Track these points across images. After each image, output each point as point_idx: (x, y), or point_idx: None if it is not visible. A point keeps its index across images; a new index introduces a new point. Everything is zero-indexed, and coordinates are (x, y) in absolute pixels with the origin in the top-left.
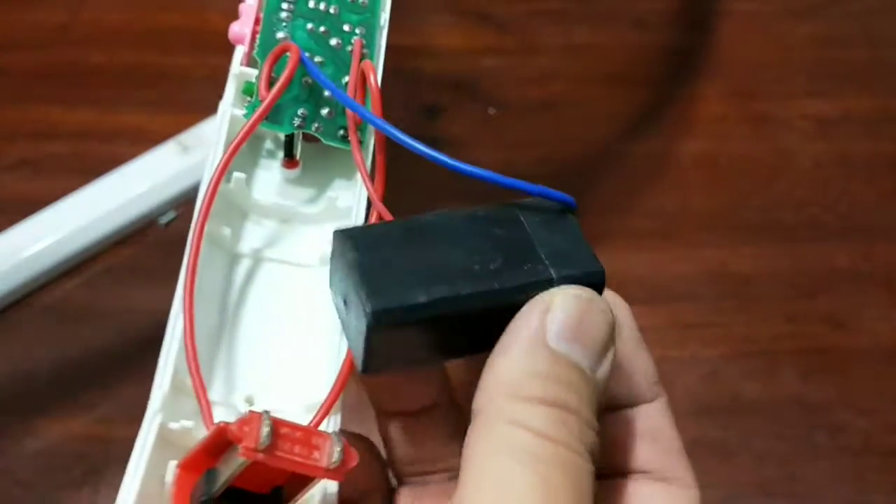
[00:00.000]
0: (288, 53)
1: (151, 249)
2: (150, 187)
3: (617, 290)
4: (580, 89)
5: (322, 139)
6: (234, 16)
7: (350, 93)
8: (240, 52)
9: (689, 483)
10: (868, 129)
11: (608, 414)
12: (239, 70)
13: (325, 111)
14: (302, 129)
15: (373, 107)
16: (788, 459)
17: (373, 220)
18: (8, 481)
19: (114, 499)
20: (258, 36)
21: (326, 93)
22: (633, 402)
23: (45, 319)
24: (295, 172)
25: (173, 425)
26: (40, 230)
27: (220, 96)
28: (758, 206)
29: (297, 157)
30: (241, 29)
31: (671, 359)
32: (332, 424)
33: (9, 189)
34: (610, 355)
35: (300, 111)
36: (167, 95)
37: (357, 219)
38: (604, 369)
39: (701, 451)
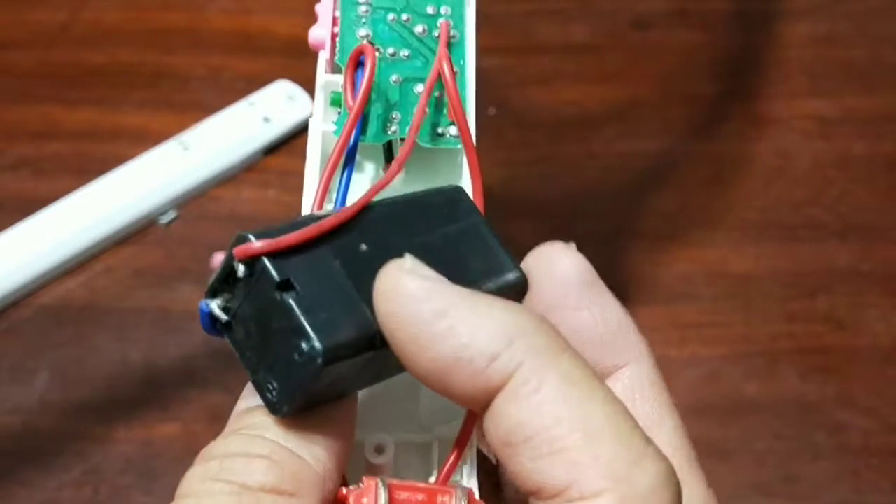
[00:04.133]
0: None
1: (151, 249)
2: (150, 187)
3: (617, 290)
4: (580, 89)
5: (419, 142)
6: (234, 15)
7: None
8: (323, 59)
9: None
10: (868, 129)
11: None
12: (325, 79)
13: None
14: (396, 134)
15: (450, 104)
16: (788, 459)
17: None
18: (8, 481)
19: (113, 498)
20: (338, 39)
21: (419, 88)
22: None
23: (45, 319)
24: (399, 177)
25: None
26: (40, 230)
27: (220, 96)
28: (758, 206)
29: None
30: (319, 33)
31: (671, 359)
32: (464, 473)
33: (9, 189)
34: None
35: (392, 115)
36: (167, 95)
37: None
38: None
39: (701, 451)
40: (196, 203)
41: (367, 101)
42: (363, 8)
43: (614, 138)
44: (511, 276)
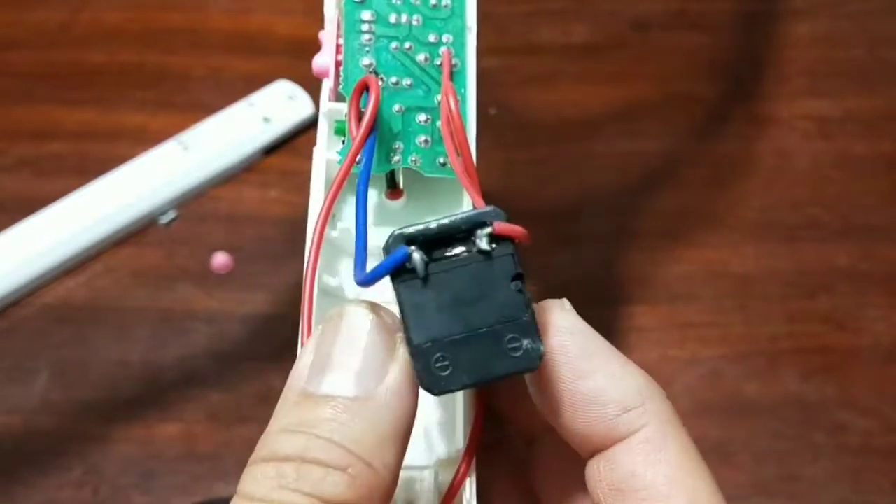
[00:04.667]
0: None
1: (151, 249)
2: (150, 187)
3: (617, 290)
4: (580, 89)
5: (423, 172)
6: (235, 15)
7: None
8: (327, 87)
9: None
10: (868, 129)
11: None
12: (328, 107)
13: (420, 139)
14: (399, 164)
15: (456, 135)
16: (788, 459)
17: None
18: (8, 481)
19: (113, 498)
20: (341, 69)
21: (421, 118)
22: (601, 441)
23: (45, 319)
24: (399, 202)
25: None
26: (40, 230)
27: (220, 96)
28: (758, 206)
29: (401, 186)
30: (323, 61)
31: (671, 359)
32: (469, 489)
33: (9, 189)
34: (393, 368)
35: (395, 144)
36: (167, 95)
37: None
38: (385, 387)
39: (701, 452)
40: (196, 203)
41: (370, 133)
42: (366, 36)
43: (614, 138)
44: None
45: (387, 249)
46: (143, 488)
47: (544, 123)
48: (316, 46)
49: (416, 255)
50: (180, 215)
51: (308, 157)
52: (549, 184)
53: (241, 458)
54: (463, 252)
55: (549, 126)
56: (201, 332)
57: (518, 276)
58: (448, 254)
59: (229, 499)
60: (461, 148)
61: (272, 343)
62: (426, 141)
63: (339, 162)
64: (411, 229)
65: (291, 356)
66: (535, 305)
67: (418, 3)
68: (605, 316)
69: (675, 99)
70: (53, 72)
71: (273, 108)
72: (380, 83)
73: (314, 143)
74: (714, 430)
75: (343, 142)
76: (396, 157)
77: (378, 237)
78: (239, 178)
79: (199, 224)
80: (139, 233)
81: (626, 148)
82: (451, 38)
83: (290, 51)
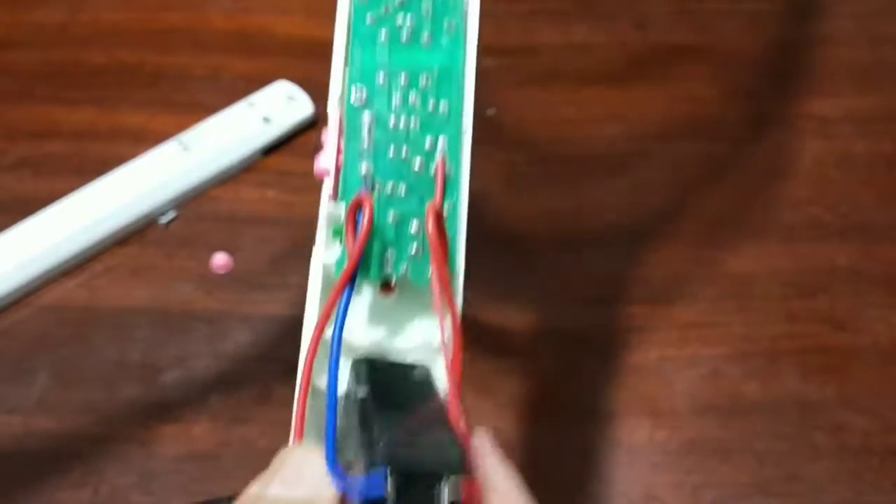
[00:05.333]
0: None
1: (151, 249)
2: (150, 187)
3: (616, 290)
4: (580, 89)
5: (411, 283)
6: (234, 15)
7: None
8: (328, 186)
9: None
10: (868, 129)
11: None
12: (328, 209)
13: (412, 249)
14: (391, 275)
15: (432, 255)
16: (788, 459)
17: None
18: (7, 481)
19: (113, 499)
20: (341, 175)
21: (414, 226)
22: None
23: (45, 320)
24: (391, 298)
25: None
26: (40, 230)
27: (220, 96)
28: (758, 206)
29: (393, 284)
30: (325, 163)
31: (671, 359)
32: None
33: (9, 189)
34: None
35: (388, 253)
36: (167, 95)
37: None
38: None
39: (701, 451)
40: (196, 203)
41: (363, 250)
42: (366, 141)
43: (614, 138)
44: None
45: (367, 465)
46: (142, 488)
47: (544, 123)
48: (316, 47)
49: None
50: (180, 215)
51: (308, 157)
52: (549, 184)
53: (240, 458)
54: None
55: (548, 126)
56: (201, 332)
57: None
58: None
59: (229, 499)
60: (437, 273)
61: (272, 343)
62: (417, 250)
63: (336, 273)
64: (393, 458)
65: (291, 356)
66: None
67: (417, 105)
68: (605, 316)
69: (674, 99)
70: (53, 72)
71: (273, 108)
72: (375, 195)
73: (314, 144)
74: (714, 430)
75: (340, 244)
76: (388, 267)
77: (370, 333)
78: (238, 178)
79: (198, 224)
80: (139, 233)
81: (625, 148)
82: (446, 144)
83: (290, 51)
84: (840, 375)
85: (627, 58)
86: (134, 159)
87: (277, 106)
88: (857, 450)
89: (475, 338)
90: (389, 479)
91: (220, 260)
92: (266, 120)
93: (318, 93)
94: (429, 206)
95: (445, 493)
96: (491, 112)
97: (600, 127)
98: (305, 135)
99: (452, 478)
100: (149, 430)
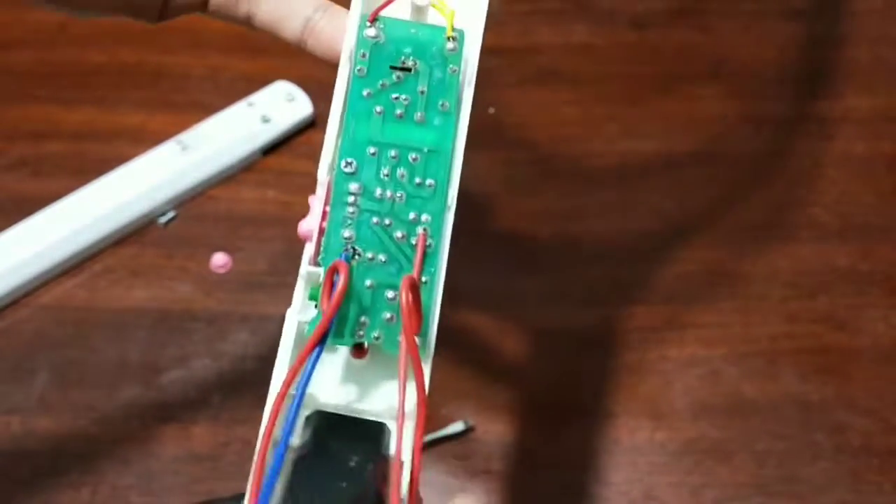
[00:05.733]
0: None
1: (151, 249)
2: (150, 187)
3: (616, 290)
4: (580, 89)
5: (382, 348)
6: None
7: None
8: (309, 251)
9: None
10: (868, 129)
11: None
12: (307, 270)
13: (385, 316)
14: (362, 338)
15: (403, 330)
16: (788, 459)
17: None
18: (8, 482)
19: (112, 499)
20: (323, 239)
21: (389, 295)
22: None
23: (44, 320)
24: (363, 361)
25: None
26: (40, 230)
27: (220, 96)
28: (758, 206)
29: (366, 347)
30: (309, 226)
31: (671, 359)
32: None
33: (9, 189)
34: None
35: (361, 319)
36: (166, 95)
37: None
38: None
39: (701, 451)
40: (195, 203)
41: (334, 315)
42: (351, 209)
43: (614, 138)
44: None
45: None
46: (142, 489)
47: (543, 123)
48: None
49: None
50: (179, 215)
51: (307, 157)
52: (549, 184)
53: (240, 458)
54: None
55: (548, 126)
56: (200, 332)
57: None
58: None
59: (229, 499)
60: (406, 343)
61: (271, 343)
62: (391, 318)
63: (308, 332)
64: None
65: None
66: None
67: (404, 180)
68: (605, 316)
69: (673, 99)
70: (52, 71)
71: (272, 108)
72: (354, 262)
73: (313, 144)
74: (713, 430)
75: (316, 307)
76: (361, 332)
77: (339, 393)
78: (237, 178)
79: (197, 224)
80: (138, 233)
81: (625, 148)
82: (429, 218)
83: (290, 51)
84: (840, 376)
85: (627, 58)
86: (133, 159)
87: (277, 106)
88: (857, 450)
89: (475, 338)
90: None
91: (219, 260)
92: (265, 120)
93: (318, 93)
94: (405, 278)
95: None
96: (490, 111)
97: (600, 127)
98: (305, 135)
99: None
100: (148, 430)
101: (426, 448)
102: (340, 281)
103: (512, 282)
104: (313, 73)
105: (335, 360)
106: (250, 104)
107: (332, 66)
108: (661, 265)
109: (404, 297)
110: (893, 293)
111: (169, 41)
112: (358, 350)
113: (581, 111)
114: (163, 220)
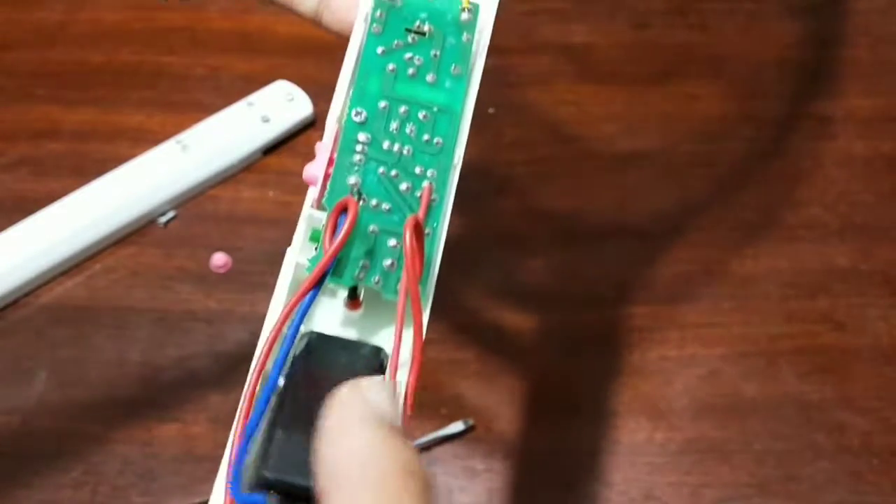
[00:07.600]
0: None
1: (150, 249)
2: (149, 187)
3: (616, 290)
4: (580, 89)
5: (381, 294)
6: (234, 15)
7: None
8: (312, 194)
9: None
10: (868, 129)
11: None
12: (309, 213)
13: (387, 262)
14: (362, 281)
15: (405, 270)
16: (788, 459)
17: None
18: (7, 481)
19: (112, 499)
20: (329, 182)
21: (391, 242)
22: None
23: (45, 319)
24: (357, 313)
25: None
26: (40, 230)
27: (220, 96)
28: (758, 206)
29: (361, 298)
30: (314, 170)
31: (671, 359)
32: None
33: (8, 189)
34: None
35: (362, 262)
36: (166, 95)
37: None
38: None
39: (700, 451)
40: (195, 203)
41: (340, 250)
42: (358, 156)
43: (614, 138)
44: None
45: (255, 484)
46: (141, 489)
47: (544, 123)
48: (316, 48)
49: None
50: (179, 215)
51: (307, 157)
52: (549, 184)
53: None
54: None
55: (548, 126)
56: (200, 332)
57: None
58: None
59: None
60: (409, 286)
61: None
62: (391, 265)
63: (308, 269)
64: (278, 477)
65: None
66: None
67: (413, 135)
68: (605, 316)
69: (673, 99)
70: (52, 71)
71: (272, 108)
72: (360, 205)
73: (313, 144)
74: (713, 430)
75: (316, 249)
76: (361, 275)
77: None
78: (238, 178)
79: (197, 224)
80: (138, 233)
81: (626, 148)
82: (435, 173)
83: (290, 51)
84: (839, 375)
85: (627, 58)
86: (133, 159)
87: (277, 106)
88: (857, 450)
89: (475, 338)
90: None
91: (219, 260)
92: (265, 120)
93: (318, 93)
94: (410, 218)
95: None
96: (491, 111)
97: (600, 127)
98: (305, 134)
99: None
100: (148, 430)
101: (426, 448)
102: (349, 217)
103: (511, 281)
104: (313, 73)
105: (326, 311)
106: (250, 104)
107: (337, 63)
108: (661, 265)
109: (408, 236)
110: (893, 293)
111: (169, 41)
112: (353, 301)
113: (581, 111)
114: (163, 220)
